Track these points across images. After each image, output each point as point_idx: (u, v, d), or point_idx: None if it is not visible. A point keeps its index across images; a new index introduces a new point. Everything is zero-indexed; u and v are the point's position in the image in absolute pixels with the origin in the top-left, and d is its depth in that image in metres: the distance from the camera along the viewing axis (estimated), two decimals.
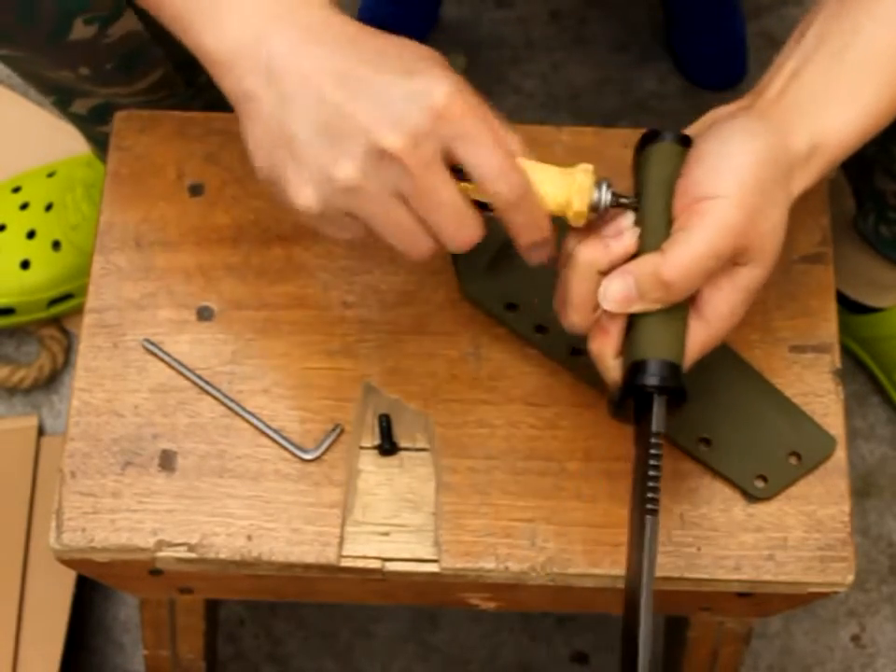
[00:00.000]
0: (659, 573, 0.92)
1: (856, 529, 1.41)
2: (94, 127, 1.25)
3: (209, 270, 1.00)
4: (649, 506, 0.81)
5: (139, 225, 1.02)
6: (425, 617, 1.40)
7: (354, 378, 0.97)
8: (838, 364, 0.99)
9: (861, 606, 1.42)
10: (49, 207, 1.44)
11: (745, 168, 0.83)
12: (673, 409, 0.84)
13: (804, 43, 0.89)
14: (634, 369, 0.83)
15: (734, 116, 0.87)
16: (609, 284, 0.83)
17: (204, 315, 0.99)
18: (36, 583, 1.31)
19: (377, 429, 0.96)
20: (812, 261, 1.02)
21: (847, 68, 0.87)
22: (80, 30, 1.04)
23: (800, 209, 1.02)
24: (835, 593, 0.94)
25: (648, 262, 0.82)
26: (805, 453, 0.96)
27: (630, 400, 0.84)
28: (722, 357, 0.97)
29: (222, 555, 0.93)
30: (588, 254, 0.84)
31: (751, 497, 0.95)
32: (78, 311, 1.26)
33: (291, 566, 0.93)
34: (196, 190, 1.03)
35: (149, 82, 1.15)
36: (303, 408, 0.96)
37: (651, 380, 0.82)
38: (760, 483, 0.95)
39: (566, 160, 1.03)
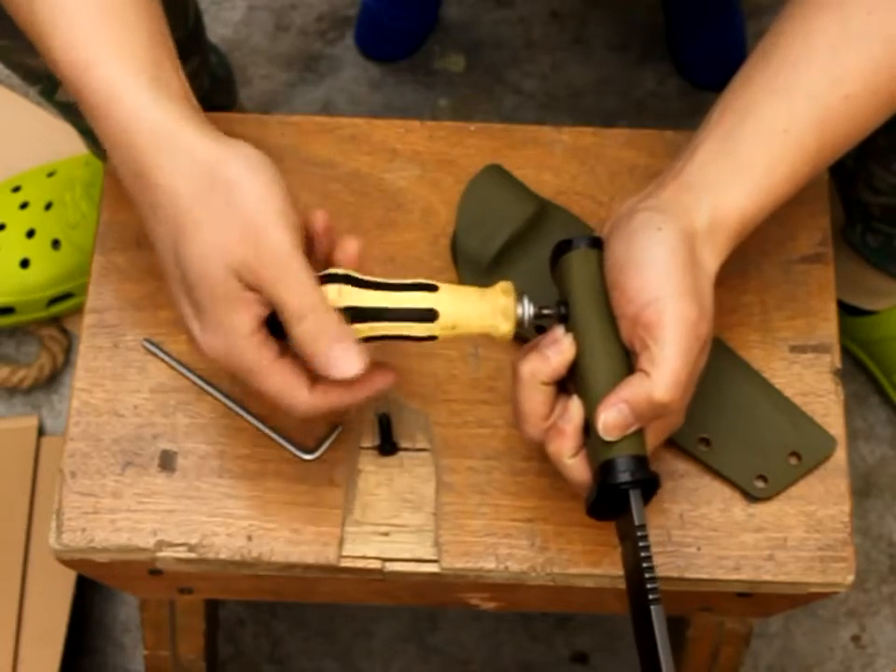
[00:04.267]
0: (659, 573, 0.92)
1: (856, 529, 1.42)
2: (82, 116, 1.25)
3: None
4: (651, 596, 0.82)
5: (139, 225, 1.01)
6: (425, 617, 1.40)
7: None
8: (838, 364, 0.99)
9: (861, 606, 1.42)
10: (48, 206, 1.44)
11: (664, 260, 0.84)
12: (647, 499, 0.85)
13: (709, 119, 0.90)
14: (605, 469, 0.84)
15: (634, 212, 0.87)
16: (605, 415, 0.83)
17: None
18: (36, 583, 1.31)
19: (377, 429, 0.96)
20: (812, 261, 1.02)
21: (739, 144, 0.88)
22: None
23: (800, 210, 1.02)
24: (835, 593, 0.94)
25: (639, 388, 0.83)
26: (804, 453, 0.96)
27: (607, 501, 0.85)
28: (722, 357, 0.98)
29: (222, 555, 0.93)
30: (529, 367, 0.86)
31: (751, 497, 0.95)
32: (78, 310, 1.26)
33: (291, 566, 0.93)
34: None
35: None
36: None
37: (624, 476, 0.84)
38: (760, 483, 0.95)
39: (566, 160, 1.04)
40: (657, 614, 0.81)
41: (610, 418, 0.83)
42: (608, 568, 0.93)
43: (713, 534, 0.94)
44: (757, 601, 0.97)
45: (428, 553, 0.93)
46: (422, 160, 1.04)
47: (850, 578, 0.93)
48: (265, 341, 0.84)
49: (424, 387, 0.97)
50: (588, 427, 0.85)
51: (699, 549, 0.94)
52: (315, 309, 0.82)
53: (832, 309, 1.00)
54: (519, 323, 0.86)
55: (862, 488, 1.45)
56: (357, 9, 1.63)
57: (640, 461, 0.84)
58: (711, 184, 0.87)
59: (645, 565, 0.83)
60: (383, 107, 1.60)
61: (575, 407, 0.85)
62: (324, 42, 1.64)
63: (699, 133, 0.89)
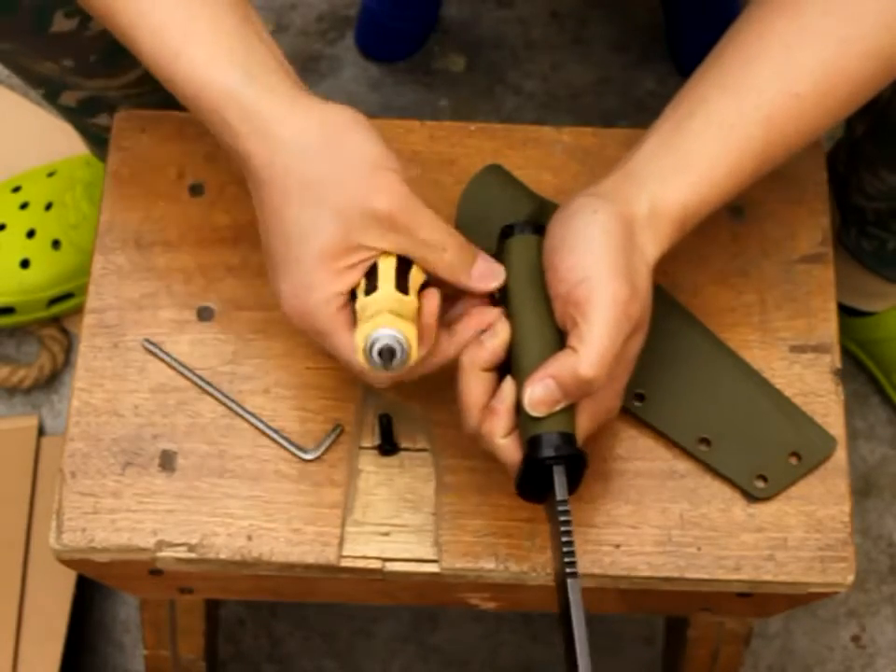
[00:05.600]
0: (659, 573, 0.92)
1: (856, 529, 1.42)
2: (84, 119, 1.25)
3: (209, 270, 1.00)
4: (568, 570, 0.83)
5: (139, 225, 1.02)
6: (425, 617, 1.40)
7: (354, 378, 0.97)
8: (838, 364, 0.99)
9: (861, 606, 1.42)
10: (48, 206, 1.44)
11: (597, 241, 0.85)
12: (575, 477, 0.85)
13: (661, 114, 0.90)
14: (530, 445, 0.85)
15: (574, 198, 0.88)
16: (532, 390, 0.84)
17: (204, 315, 0.99)
18: (36, 583, 1.31)
19: (377, 429, 0.96)
20: (812, 261, 1.02)
21: (686, 137, 0.88)
22: (61, 22, 1.04)
23: (800, 210, 1.02)
24: (835, 593, 0.94)
25: (565, 364, 0.84)
26: (805, 453, 0.96)
27: (536, 480, 0.85)
28: (722, 357, 0.98)
29: (222, 555, 0.93)
30: (468, 356, 0.87)
31: (751, 497, 0.95)
32: (78, 310, 1.26)
33: (291, 566, 0.93)
34: (196, 190, 1.03)
35: (137, 75, 1.14)
36: (303, 408, 0.96)
37: (548, 452, 0.84)
38: (760, 483, 0.95)
39: (566, 160, 1.04)
40: (573, 588, 0.82)
41: (536, 393, 0.84)
42: (607, 568, 0.93)
43: (713, 534, 0.94)
44: (757, 601, 0.97)
45: (428, 553, 0.93)
46: (422, 160, 1.04)
47: (850, 578, 0.93)
48: (345, 307, 0.86)
49: (424, 388, 0.97)
50: (520, 408, 0.85)
51: (699, 549, 0.94)
52: (451, 234, 0.86)
53: (832, 309, 1.00)
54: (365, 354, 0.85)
55: (862, 488, 1.45)
56: (357, 9, 1.63)
57: (566, 438, 0.84)
58: (654, 174, 0.88)
59: (564, 539, 0.83)
60: (383, 107, 1.60)
61: (508, 387, 0.85)
62: (324, 42, 1.64)
63: (650, 128, 0.90)
